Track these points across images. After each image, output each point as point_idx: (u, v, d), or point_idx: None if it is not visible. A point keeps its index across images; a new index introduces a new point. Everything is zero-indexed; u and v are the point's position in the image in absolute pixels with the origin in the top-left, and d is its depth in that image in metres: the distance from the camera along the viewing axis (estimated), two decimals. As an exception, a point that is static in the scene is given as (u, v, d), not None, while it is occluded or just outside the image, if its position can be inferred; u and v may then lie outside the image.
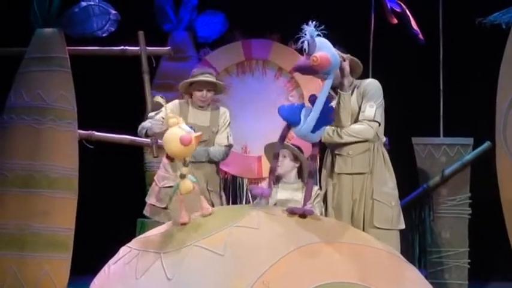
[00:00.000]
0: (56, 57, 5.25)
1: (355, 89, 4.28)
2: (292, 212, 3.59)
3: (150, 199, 4.60)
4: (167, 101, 3.74)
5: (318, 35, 3.52)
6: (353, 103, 4.24)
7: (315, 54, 3.47)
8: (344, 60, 4.09)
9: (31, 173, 5.06)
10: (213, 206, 4.30)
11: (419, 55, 5.86)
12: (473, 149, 5.44)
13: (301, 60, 3.58)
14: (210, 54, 5.79)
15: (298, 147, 4.17)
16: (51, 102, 5.17)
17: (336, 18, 5.85)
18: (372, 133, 4.16)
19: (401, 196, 5.09)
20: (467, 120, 5.70)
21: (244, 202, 5.51)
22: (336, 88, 4.29)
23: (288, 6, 6.05)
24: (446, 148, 5.43)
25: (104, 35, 5.35)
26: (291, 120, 3.61)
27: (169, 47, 5.99)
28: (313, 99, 3.71)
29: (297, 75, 5.66)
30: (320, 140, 3.72)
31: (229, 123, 4.63)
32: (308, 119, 3.55)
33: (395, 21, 5.50)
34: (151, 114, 4.55)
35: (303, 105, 3.66)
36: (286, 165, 4.21)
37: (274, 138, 4.62)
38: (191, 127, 4.11)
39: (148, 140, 5.11)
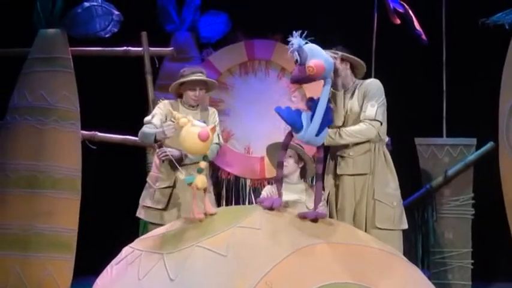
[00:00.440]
0: (59, 57, 5.26)
1: (357, 89, 4.28)
2: (304, 217, 3.57)
3: (145, 201, 4.57)
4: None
5: (306, 43, 3.53)
6: (354, 103, 4.25)
7: (308, 63, 3.49)
8: (336, 60, 4.09)
9: (34, 174, 5.06)
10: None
11: (422, 55, 5.85)
12: (476, 149, 5.44)
13: (296, 71, 3.60)
14: (213, 55, 5.79)
15: (301, 147, 4.18)
16: (54, 102, 5.18)
17: (339, 19, 5.88)
18: (374, 132, 4.15)
19: (404, 196, 5.09)
20: (470, 120, 5.69)
21: (247, 202, 5.51)
22: (344, 88, 4.30)
23: (290, 6, 6.04)
24: (449, 148, 5.43)
25: (106, 35, 5.36)
26: (294, 125, 3.61)
27: (172, 48, 5.99)
28: (310, 104, 3.72)
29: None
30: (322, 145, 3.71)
31: (218, 123, 4.64)
32: (312, 124, 3.55)
33: (398, 21, 5.49)
34: (147, 118, 4.51)
35: (300, 111, 3.66)
36: (291, 165, 4.21)
37: (277, 138, 4.63)
38: (204, 121, 4.14)
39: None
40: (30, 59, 5.27)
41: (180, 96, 4.59)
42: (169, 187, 4.50)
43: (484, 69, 5.67)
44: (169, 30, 6.26)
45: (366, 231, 4.04)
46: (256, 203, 4.12)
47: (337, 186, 4.25)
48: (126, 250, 3.71)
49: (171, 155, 4.35)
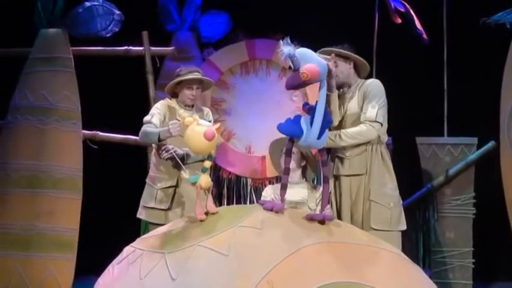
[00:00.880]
0: (60, 57, 5.26)
1: (357, 90, 4.28)
2: (311, 219, 3.56)
3: (147, 202, 4.56)
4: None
5: (298, 48, 3.52)
6: (354, 104, 4.24)
7: (302, 69, 3.47)
8: (329, 61, 4.08)
9: (36, 173, 5.07)
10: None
11: (423, 55, 5.85)
12: (478, 148, 5.43)
13: (291, 77, 3.58)
14: (214, 55, 5.79)
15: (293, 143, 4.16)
16: (55, 102, 5.18)
17: (340, 18, 5.88)
18: (375, 134, 4.14)
19: (405, 196, 5.09)
20: (472, 120, 5.69)
21: (248, 202, 5.51)
22: (339, 88, 4.29)
23: (291, 6, 6.04)
24: (450, 148, 5.42)
25: (107, 35, 5.36)
26: (294, 134, 3.62)
27: (173, 47, 6.00)
28: (308, 107, 3.71)
29: (301, 75, 5.66)
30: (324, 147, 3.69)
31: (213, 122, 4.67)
32: (313, 128, 3.53)
33: (399, 21, 5.49)
34: (146, 118, 4.50)
35: (299, 117, 3.65)
36: (292, 164, 4.21)
37: (278, 138, 4.63)
38: (210, 121, 4.13)
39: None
40: (31, 59, 5.27)
41: (175, 95, 4.59)
42: (171, 187, 4.50)
43: (485, 68, 5.66)
44: (170, 29, 6.26)
45: (362, 232, 4.03)
46: (257, 203, 4.11)
47: (334, 187, 4.25)
48: (127, 249, 3.71)
49: (175, 154, 4.35)
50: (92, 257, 5.17)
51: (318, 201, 4.25)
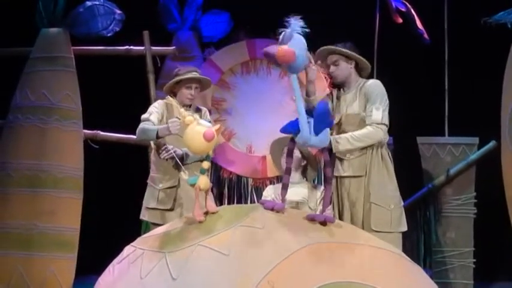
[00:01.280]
0: (61, 57, 5.26)
1: (358, 91, 4.27)
2: (312, 219, 3.56)
3: (149, 203, 4.56)
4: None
5: (299, 33, 3.48)
6: (354, 104, 4.23)
7: (283, 46, 3.42)
8: (312, 64, 4.07)
9: (37, 173, 5.07)
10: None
11: (424, 54, 5.85)
12: (479, 148, 5.43)
13: (271, 47, 3.53)
14: (215, 54, 5.79)
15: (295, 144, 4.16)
16: (56, 102, 5.18)
17: (341, 18, 5.87)
18: (382, 136, 4.15)
19: (406, 196, 5.08)
20: (473, 119, 5.68)
21: (249, 202, 5.51)
22: (343, 88, 4.29)
23: (292, 5, 6.02)
24: (451, 148, 5.42)
25: (108, 34, 5.36)
26: (291, 131, 3.59)
27: (174, 47, 6.00)
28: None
29: (301, 75, 5.65)
30: (329, 146, 3.67)
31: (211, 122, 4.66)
32: (301, 126, 3.51)
33: (400, 20, 5.49)
34: (144, 116, 4.50)
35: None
36: (293, 164, 4.20)
37: (279, 138, 4.62)
38: (209, 121, 4.13)
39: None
40: (32, 59, 5.28)
41: (174, 95, 4.60)
42: (173, 187, 4.50)
43: (486, 68, 5.66)
44: (171, 29, 6.26)
45: (362, 234, 4.02)
46: (258, 202, 4.11)
47: (335, 188, 4.24)
48: (128, 249, 3.71)
49: (175, 154, 4.35)
50: (93, 256, 5.18)
51: (318, 201, 4.25)
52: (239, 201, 5.52)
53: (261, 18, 6.00)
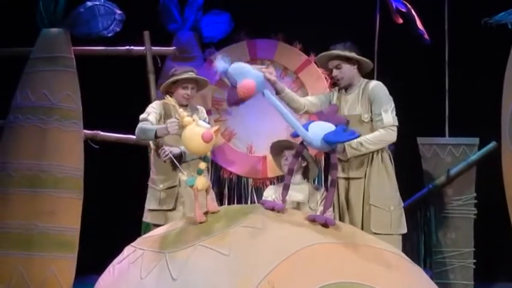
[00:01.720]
0: (62, 57, 5.27)
1: (361, 91, 4.26)
2: (313, 221, 3.55)
3: (151, 205, 4.56)
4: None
5: (231, 63, 3.46)
6: (356, 106, 4.23)
7: (238, 86, 3.41)
8: (264, 67, 4.08)
9: (37, 173, 5.08)
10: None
11: (424, 55, 5.84)
12: (479, 149, 5.43)
13: (230, 94, 3.52)
14: (215, 54, 5.78)
15: (305, 147, 4.17)
16: (56, 102, 5.19)
17: (341, 18, 5.87)
18: (395, 137, 4.17)
19: (407, 196, 5.08)
20: (473, 120, 5.68)
21: (249, 202, 5.51)
22: (345, 89, 4.29)
23: (293, 6, 6.04)
24: (451, 148, 5.42)
25: (109, 35, 5.37)
26: (296, 134, 3.62)
27: (174, 47, 6.00)
28: (320, 115, 3.70)
29: (302, 75, 5.67)
30: (334, 149, 3.66)
31: (208, 120, 4.68)
32: (300, 134, 3.54)
33: (400, 21, 5.49)
34: (143, 116, 4.50)
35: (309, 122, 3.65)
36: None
37: (279, 137, 4.63)
38: (208, 122, 4.12)
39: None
40: (33, 59, 5.28)
41: (170, 95, 4.60)
42: (173, 186, 4.50)
43: (486, 68, 5.65)
44: (171, 29, 6.26)
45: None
46: (258, 203, 4.11)
47: (336, 190, 4.23)
48: (128, 249, 3.71)
49: (172, 155, 4.35)
50: (93, 256, 5.17)
51: (319, 202, 4.25)
52: (239, 202, 5.53)
53: (261, 18, 6.01)
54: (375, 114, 4.16)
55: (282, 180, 4.13)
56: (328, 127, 3.54)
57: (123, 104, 6.01)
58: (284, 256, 3.30)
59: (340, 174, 4.21)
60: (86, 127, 5.40)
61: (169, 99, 3.69)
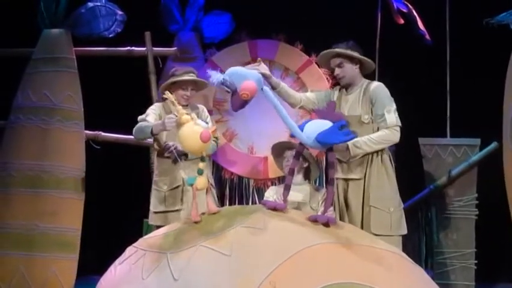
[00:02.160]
0: (63, 57, 5.27)
1: (362, 92, 4.26)
2: (314, 221, 3.55)
3: (157, 207, 4.55)
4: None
5: (225, 73, 3.46)
6: (356, 106, 4.22)
7: (240, 90, 3.41)
8: (256, 64, 4.07)
9: (38, 174, 5.08)
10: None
11: (426, 55, 5.84)
12: (480, 149, 5.42)
13: (233, 100, 3.50)
14: (216, 55, 5.79)
15: (305, 147, 4.17)
16: (58, 102, 5.19)
17: (342, 19, 5.87)
18: (398, 137, 4.16)
19: (408, 197, 5.08)
20: (474, 120, 5.67)
21: (250, 202, 5.51)
22: (346, 88, 4.29)
23: (294, 6, 6.04)
24: (453, 149, 5.42)
25: (110, 35, 5.37)
26: (292, 134, 3.62)
27: (175, 48, 6.00)
28: (318, 112, 3.69)
29: (303, 76, 5.67)
30: (332, 147, 3.66)
31: (210, 119, 4.70)
32: (294, 133, 3.53)
33: (401, 21, 5.49)
34: (141, 117, 4.49)
35: (307, 121, 3.65)
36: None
37: (280, 138, 4.63)
38: (207, 116, 4.12)
39: (150, 140, 5.07)
40: (34, 59, 5.29)
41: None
42: (177, 186, 4.51)
43: (488, 69, 5.65)
44: (172, 30, 6.26)
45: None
46: (259, 203, 4.11)
47: (336, 190, 4.23)
48: (129, 250, 3.71)
49: (176, 151, 4.35)
50: (94, 257, 5.18)
51: (320, 202, 4.25)
52: (240, 202, 5.53)
53: (262, 19, 6.01)
54: (377, 115, 4.16)
55: (283, 181, 4.13)
56: (323, 126, 3.52)
57: (124, 105, 6.01)
58: (285, 256, 3.30)
59: (340, 175, 4.20)
60: (87, 128, 5.41)
61: (169, 96, 3.68)
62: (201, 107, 4.76)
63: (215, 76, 3.45)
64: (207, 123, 4.51)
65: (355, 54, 4.22)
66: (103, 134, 5.70)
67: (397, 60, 5.84)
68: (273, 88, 4.19)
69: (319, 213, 3.76)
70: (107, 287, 3.65)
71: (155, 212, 4.56)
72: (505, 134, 4.60)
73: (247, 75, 3.47)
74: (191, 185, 3.61)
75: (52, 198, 5.08)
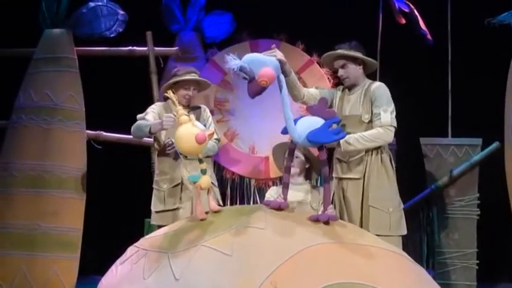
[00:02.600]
0: (64, 57, 5.27)
1: (363, 92, 4.25)
2: (316, 220, 3.54)
3: (158, 207, 4.56)
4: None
5: (242, 59, 3.43)
6: (357, 106, 4.22)
7: (258, 77, 3.39)
8: (271, 50, 3.96)
9: (40, 173, 5.08)
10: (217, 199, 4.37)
11: (427, 55, 5.85)
12: (482, 149, 5.42)
13: (251, 87, 3.46)
14: (218, 55, 5.79)
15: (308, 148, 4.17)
16: (59, 102, 5.19)
17: (344, 19, 5.87)
18: (391, 137, 4.14)
19: (409, 197, 5.08)
20: (476, 120, 5.67)
21: (251, 202, 5.51)
22: (348, 88, 4.29)
23: (295, 6, 6.05)
24: (454, 148, 5.42)
25: (112, 35, 5.37)
26: (286, 131, 3.60)
27: (176, 48, 6.00)
28: (310, 109, 3.68)
29: (304, 75, 5.67)
30: (324, 145, 3.65)
31: (212, 119, 4.69)
32: (287, 124, 3.52)
33: (403, 21, 5.49)
34: (140, 115, 4.49)
35: (299, 117, 3.64)
36: (297, 165, 4.20)
37: (281, 138, 4.62)
38: (204, 124, 4.12)
39: (151, 140, 5.07)
40: (36, 59, 5.29)
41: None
42: (177, 185, 4.51)
43: (489, 69, 5.65)
44: (174, 30, 6.27)
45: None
46: (262, 203, 4.11)
47: (336, 189, 4.23)
48: (131, 249, 3.71)
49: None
50: (96, 256, 5.18)
51: (321, 202, 4.25)
52: (242, 202, 5.53)
53: (263, 18, 6.01)
54: (374, 113, 4.15)
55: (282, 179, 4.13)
56: (315, 123, 3.50)
57: (125, 105, 6.01)
58: (287, 256, 3.30)
59: (339, 174, 4.20)
60: (88, 127, 5.41)
61: (170, 95, 3.69)
62: (203, 107, 4.76)
63: (233, 62, 3.41)
64: (207, 124, 4.53)
65: (359, 54, 4.22)
66: (104, 133, 5.70)
67: (399, 60, 5.84)
68: (285, 75, 4.14)
69: (320, 212, 3.76)
70: (108, 287, 3.65)
71: (156, 212, 4.57)
72: (506, 133, 4.60)
73: (266, 61, 3.45)
74: (194, 182, 3.62)
75: (53, 198, 5.08)
